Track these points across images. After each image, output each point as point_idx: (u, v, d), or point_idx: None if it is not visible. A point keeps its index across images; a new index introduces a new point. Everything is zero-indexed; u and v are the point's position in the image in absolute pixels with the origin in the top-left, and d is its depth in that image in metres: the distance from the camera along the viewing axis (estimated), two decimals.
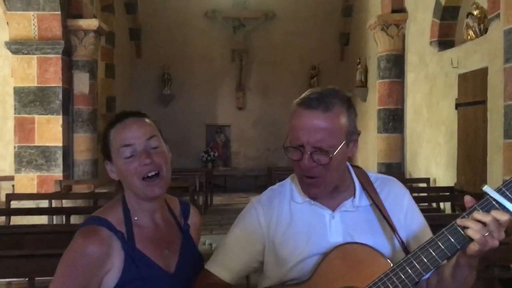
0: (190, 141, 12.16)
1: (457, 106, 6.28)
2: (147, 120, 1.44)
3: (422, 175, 7.28)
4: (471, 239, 1.09)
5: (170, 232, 1.45)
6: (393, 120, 8.08)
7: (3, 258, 2.88)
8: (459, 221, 1.10)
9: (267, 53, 12.33)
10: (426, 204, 6.39)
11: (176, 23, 12.11)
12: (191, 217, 1.53)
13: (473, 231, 1.07)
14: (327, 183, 1.28)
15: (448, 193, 6.01)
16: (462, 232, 1.10)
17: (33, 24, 7.08)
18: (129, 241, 1.36)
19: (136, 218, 1.40)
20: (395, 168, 8.01)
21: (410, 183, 7.23)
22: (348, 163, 1.38)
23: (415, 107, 7.70)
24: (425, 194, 6.47)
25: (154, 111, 11.93)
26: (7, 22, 7.36)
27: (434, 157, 7.05)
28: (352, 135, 1.29)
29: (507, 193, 1.07)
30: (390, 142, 8.09)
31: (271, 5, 12.17)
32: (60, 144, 7.14)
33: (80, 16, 7.51)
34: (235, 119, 12.47)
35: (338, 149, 1.24)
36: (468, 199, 1.12)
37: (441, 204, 6.25)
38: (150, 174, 1.35)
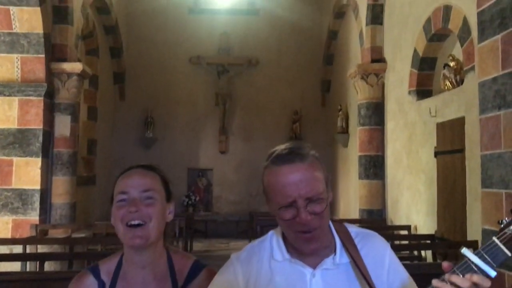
0: (171, 185, 12.03)
1: (436, 154, 6.37)
2: (151, 173, 1.48)
3: (403, 222, 7.29)
4: None
5: None
6: (374, 167, 8.15)
7: None
8: (435, 283, 1.07)
9: (251, 98, 12.49)
10: (408, 252, 6.38)
11: (161, 67, 12.25)
12: (198, 280, 1.46)
13: None
14: (324, 233, 1.28)
15: (429, 241, 6.01)
16: None
17: (17, 67, 7.09)
18: None
19: (124, 272, 1.43)
20: (376, 214, 8.02)
21: (392, 230, 7.23)
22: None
23: (395, 154, 7.80)
24: (406, 242, 6.47)
25: (136, 154, 11.87)
26: None
27: (414, 204, 7.09)
28: (328, 180, 1.30)
29: (486, 256, 1.05)
30: (372, 188, 8.13)
31: (255, 52, 12.43)
32: (38, 187, 7.01)
33: (64, 60, 7.56)
34: (217, 163, 12.44)
35: (326, 194, 1.25)
36: (445, 265, 1.09)
37: (422, 252, 6.24)
38: (133, 222, 1.37)
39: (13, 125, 7.04)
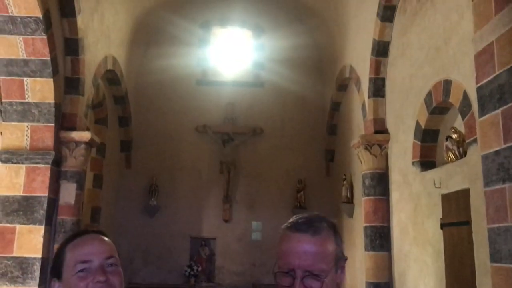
0: (173, 254, 11.86)
1: (442, 226, 6.31)
2: (106, 239, 1.40)
3: None
4: None
5: None
6: (380, 238, 8.04)
7: None
8: None
9: (255, 166, 12.57)
10: None
11: (168, 136, 12.45)
12: None
13: None
14: None
15: None
16: None
17: (26, 135, 7.24)
18: None
19: None
20: None
21: None
22: None
23: (401, 226, 7.72)
24: None
25: (139, 222, 11.80)
26: (1, 132, 7.52)
27: (422, 277, 6.91)
28: (340, 261, 1.29)
29: None
30: (378, 260, 7.96)
31: (259, 121, 12.67)
32: (39, 256, 6.91)
33: (74, 128, 7.72)
34: (220, 232, 12.29)
35: (329, 273, 1.23)
36: None
37: None
38: None
39: (19, 192, 7.06)
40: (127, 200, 12.00)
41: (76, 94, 7.84)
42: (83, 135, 7.73)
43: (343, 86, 11.13)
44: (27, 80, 7.19)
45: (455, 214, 5.99)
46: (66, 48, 7.68)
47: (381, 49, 8.30)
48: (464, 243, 5.72)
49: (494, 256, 3.92)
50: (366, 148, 8.25)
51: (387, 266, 7.94)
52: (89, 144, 7.88)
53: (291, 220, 1.34)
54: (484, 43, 3.95)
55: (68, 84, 7.80)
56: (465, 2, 5.58)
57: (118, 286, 1.32)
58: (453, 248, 6.03)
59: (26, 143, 7.22)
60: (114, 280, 1.31)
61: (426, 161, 7.02)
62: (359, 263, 9.25)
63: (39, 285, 6.84)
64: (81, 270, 1.29)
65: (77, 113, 7.84)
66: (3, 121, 7.33)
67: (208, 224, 12.32)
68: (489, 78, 4.07)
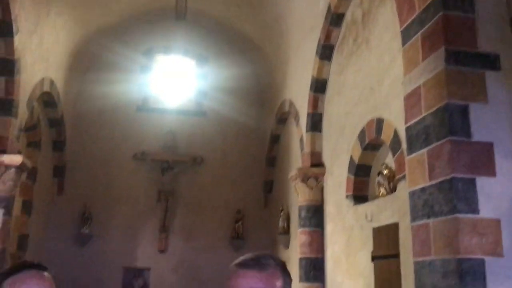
0: (104, 285, 11.39)
1: (373, 258, 6.52)
2: (46, 274, 1.35)
3: None
4: None
5: None
6: (314, 269, 8.17)
7: None
8: None
9: (194, 195, 12.46)
10: None
11: (104, 162, 12.13)
12: None
13: None
14: None
15: None
16: None
17: None
18: None
19: None
20: None
21: None
22: None
23: (334, 257, 7.90)
24: None
25: (70, 251, 11.29)
26: None
27: None
28: None
29: None
30: None
31: (200, 150, 12.65)
32: None
33: (4, 151, 7.38)
34: (155, 262, 11.98)
35: None
36: None
37: None
38: None
39: None
40: (58, 228, 11.48)
41: (8, 115, 7.53)
42: (14, 159, 7.41)
43: (282, 119, 11.40)
44: None
45: (385, 247, 6.23)
46: (0, 68, 7.40)
47: (319, 86, 8.62)
48: (392, 275, 5.95)
49: None
50: (302, 181, 8.45)
51: None
52: (20, 168, 7.55)
53: (241, 258, 1.38)
54: (413, 86, 4.24)
55: (0, 106, 7.48)
56: (396, 46, 5.96)
57: None
58: (383, 280, 6.24)
59: None
60: None
61: (359, 195, 7.28)
62: None
63: None
64: None
65: (8, 135, 7.52)
66: None
67: (142, 254, 11.99)
68: (416, 119, 4.35)
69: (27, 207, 10.01)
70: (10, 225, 7.92)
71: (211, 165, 12.67)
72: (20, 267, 1.33)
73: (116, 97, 12.34)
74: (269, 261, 1.32)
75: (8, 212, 7.40)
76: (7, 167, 7.33)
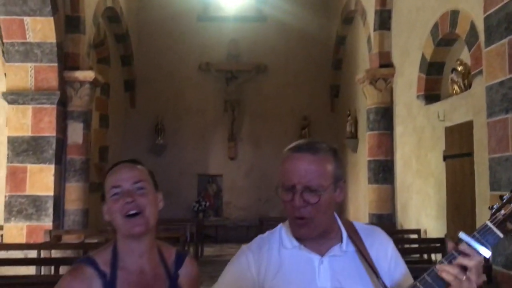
0: (181, 191, 12.14)
1: (445, 158, 6.40)
2: (138, 166, 1.55)
3: (413, 226, 7.30)
4: (449, 284, 1.16)
5: (156, 279, 1.51)
6: (383, 171, 8.18)
7: None
8: (438, 266, 1.18)
9: (259, 104, 12.57)
10: (418, 255, 6.40)
11: (171, 74, 12.38)
12: (184, 267, 1.57)
13: (450, 275, 1.15)
14: (316, 224, 1.34)
15: (438, 244, 6.03)
16: (441, 277, 1.17)
17: (30, 75, 7.23)
18: (111, 282, 1.45)
19: (122, 262, 1.48)
20: (386, 219, 8.04)
21: (402, 234, 7.25)
22: (335, 213, 1.45)
23: (404, 159, 7.83)
24: (416, 246, 6.49)
25: (147, 161, 11.73)
26: (5, 73, 7.51)
27: (424, 208, 7.11)
28: (339, 181, 1.38)
29: (481, 238, 1.16)
30: (381, 193, 8.15)
31: (263, 58, 12.52)
32: (51, 194, 7.12)
33: (77, 68, 7.69)
34: (226, 169, 12.52)
35: (326, 190, 1.32)
36: (450, 246, 1.20)
37: (432, 255, 6.25)
38: (131, 212, 1.46)
39: (27, 132, 7.16)
40: (134, 139, 12.14)
41: (77, 33, 7.74)
42: (87, 75, 7.72)
43: (348, 19, 10.88)
44: (27, 20, 7.08)
45: (458, 146, 6.07)
46: None
47: None
48: (465, 174, 5.84)
49: (494, 185, 4.03)
50: (371, 83, 8.21)
51: (390, 198, 8.13)
52: (93, 83, 7.88)
53: (293, 143, 1.43)
54: None
55: (69, 23, 7.69)
56: None
57: (146, 206, 1.48)
58: (455, 179, 6.16)
59: (30, 84, 7.23)
60: (141, 201, 1.48)
61: (431, 94, 7.01)
62: (363, 196, 9.48)
63: (53, 221, 7.10)
64: (115, 194, 1.48)
65: (80, 52, 7.78)
66: (6, 62, 7.30)
67: (214, 162, 12.53)
68: (497, 7, 4.00)
69: (104, 120, 10.59)
70: (91, 138, 8.47)
71: (275, 72, 12.57)
72: (118, 162, 1.58)
73: (175, 6, 12.24)
74: (322, 146, 1.39)
75: (87, 126, 7.87)
76: (82, 83, 7.67)
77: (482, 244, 1.16)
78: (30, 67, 7.24)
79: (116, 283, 1.45)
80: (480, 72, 5.25)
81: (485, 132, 4.72)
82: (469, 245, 1.16)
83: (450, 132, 6.28)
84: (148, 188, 1.52)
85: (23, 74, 7.23)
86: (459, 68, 6.20)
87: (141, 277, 1.48)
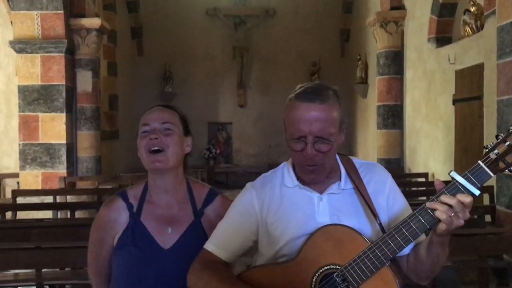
0: (192, 138, 12.22)
1: (454, 101, 6.36)
2: (170, 110, 1.68)
3: (421, 170, 7.37)
4: (439, 220, 1.21)
5: (181, 214, 1.63)
6: (393, 116, 8.17)
7: (11, 250, 3.00)
8: (428, 204, 1.24)
9: (268, 50, 12.41)
10: (425, 198, 6.50)
11: (178, 21, 12.19)
12: (213, 205, 1.67)
13: (440, 212, 1.21)
14: (325, 169, 1.40)
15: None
16: (431, 214, 1.22)
17: (37, 24, 7.18)
18: (136, 213, 1.62)
19: (150, 196, 1.65)
20: (394, 163, 8.10)
21: (409, 178, 7.33)
22: None
23: (414, 103, 7.79)
24: (423, 188, 6.58)
25: None
26: (11, 22, 7.46)
27: (432, 152, 7.14)
28: (343, 124, 1.40)
29: (471, 177, 1.21)
30: (390, 138, 8.18)
31: (272, 2, 12.24)
32: (64, 142, 7.25)
33: (83, 15, 7.61)
34: (236, 117, 12.56)
35: (336, 137, 1.36)
36: (437, 183, 1.25)
37: None
38: (154, 149, 1.57)
39: (37, 81, 7.20)
40: (143, 87, 12.14)
41: None
42: (93, 22, 7.64)
43: None
44: None
45: (467, 90, 6.01)
46: None
47: None
48: (474, 117, 5.82)
49: (501, 128, 4.03)
50: (381, 26, 8.04)
51: (398, 143, 8.16)
52: (100, 30, 7.81)
53: (297, 89, 1.42)
54: None
55: None
56: None
57: (169, 145, 1.60)
58: (464, 123, 6.15)
59: (37, 32, 7.19)
60: (166, 140, 1.60)
61: (442, 37, 6.88)
62: (371, 141, 9.51)
63: (67, 168, 7.27)
64: (144, 132, 1.61)
65: None
66: (12, 10, 7.24)
67: (223, 110, 12.55)
68: None
69: (112, 68, 10.56)
70: (100, 86, 8.49)
71: (284, 17, 12.31)
72: (154, 106, 1.71)
73: None
74: (328, 92, 1.38)
75: (96, 74, 7.88)
76: (88, 30, 7.60)
77: (472, 182, 1.20)
78: (36, 14, 7.17)
79: (141, 214, 1.61)
80: (493, 12, 5.11)
81: (495, 75, 4.67)
82: (459, 183, 1.20)
83: (461, 75, 6.20)
84: (174, 130, 1.63)
85: (30, 23, 7.17)
86: (472, 9, 6.04)
87: (166, 211, 1.62)
